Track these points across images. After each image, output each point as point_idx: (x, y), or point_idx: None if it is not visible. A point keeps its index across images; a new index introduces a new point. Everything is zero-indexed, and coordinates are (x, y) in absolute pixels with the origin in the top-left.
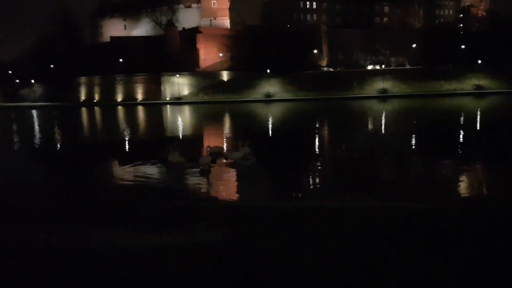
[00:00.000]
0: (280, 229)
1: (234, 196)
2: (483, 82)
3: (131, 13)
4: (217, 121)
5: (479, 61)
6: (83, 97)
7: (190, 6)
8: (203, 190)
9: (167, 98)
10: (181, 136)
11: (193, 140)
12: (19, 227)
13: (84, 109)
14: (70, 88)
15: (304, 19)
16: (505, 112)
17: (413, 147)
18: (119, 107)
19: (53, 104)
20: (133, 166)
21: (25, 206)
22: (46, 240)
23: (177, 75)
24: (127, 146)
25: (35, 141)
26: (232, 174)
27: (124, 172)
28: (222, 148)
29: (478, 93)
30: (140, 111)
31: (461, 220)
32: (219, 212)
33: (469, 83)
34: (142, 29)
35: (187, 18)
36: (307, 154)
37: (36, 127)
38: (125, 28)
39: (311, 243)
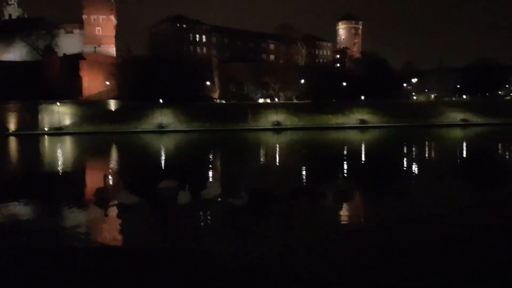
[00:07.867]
0: None
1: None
2: (366, 116)
3: (3, 35)
4: (113, 153)
5: (362, 97)
6: None
7: (71, 32)
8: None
9: (46, 129)
10: (62, 172)
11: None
12: None
13: None
14: None
15: (194, 52)
16: (383, 144)
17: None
18: None
19: None
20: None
21: None
22: None
23: (58, 104)
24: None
25: None
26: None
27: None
28: (175, 183)
29: (362, 127)
30: (13, 142)
31: None
32: None
33: (354, 118)
34: (15, 53)
35: (68, 44)
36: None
37: None
38: None
39: None
